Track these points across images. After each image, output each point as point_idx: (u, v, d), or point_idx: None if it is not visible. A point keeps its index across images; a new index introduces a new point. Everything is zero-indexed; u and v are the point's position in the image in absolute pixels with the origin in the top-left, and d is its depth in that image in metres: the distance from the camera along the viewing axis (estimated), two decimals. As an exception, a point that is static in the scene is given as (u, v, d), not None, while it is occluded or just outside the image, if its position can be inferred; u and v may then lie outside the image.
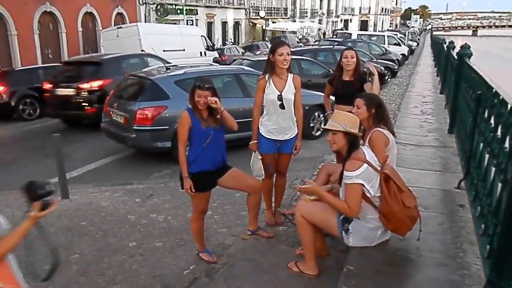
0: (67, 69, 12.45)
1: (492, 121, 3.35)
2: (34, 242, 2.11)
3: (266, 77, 4.35)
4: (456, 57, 7.17)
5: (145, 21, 25.96)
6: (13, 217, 5.54)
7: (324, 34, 52.46)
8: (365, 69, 5.15)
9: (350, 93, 4.69)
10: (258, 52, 26.77)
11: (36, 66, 15.16)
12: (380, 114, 3.84)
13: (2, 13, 17.28)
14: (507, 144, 2.77)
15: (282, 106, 4.29)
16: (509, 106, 2.79)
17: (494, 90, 3.39)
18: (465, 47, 6.45)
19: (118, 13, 24.24)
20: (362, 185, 3.15)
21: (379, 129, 3.73)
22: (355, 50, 5.16)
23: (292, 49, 4.89)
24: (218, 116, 3.81)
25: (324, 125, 8.17)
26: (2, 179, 7.49)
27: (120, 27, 18.33)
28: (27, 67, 15.29)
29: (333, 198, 3.30)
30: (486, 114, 3.64)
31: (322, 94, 5.74)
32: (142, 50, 16.34)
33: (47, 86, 11.68)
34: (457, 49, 7.40)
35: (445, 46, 12.17)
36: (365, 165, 3.16)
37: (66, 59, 15.19)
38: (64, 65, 13.55)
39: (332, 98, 5.34)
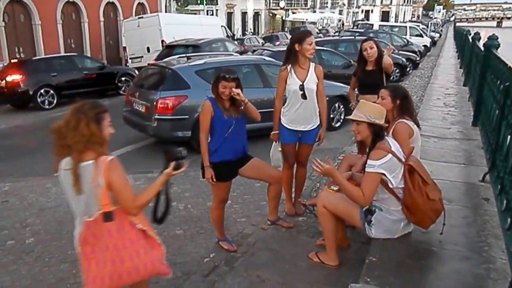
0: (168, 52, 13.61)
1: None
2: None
3: (288, 67, 4.32)
4: (482, 48, 7.02)
5: (166, 11, 25.97)
6: (37, 202, 5.66)
7: (343, 24, 51.56)
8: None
9: (373, 82, 4.70)
10: (277, 43, 26.62)
11: (54, 55, 15.26)
12: (406, 106, 3.78)
13: (27, 2, 17.45)
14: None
15: (304, 96, 4.26)
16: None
17: (524, 81, 3.31)
18: (492, 38, 6.30)
19: (139, 3, 24.27)
20: (384, 174, 3.11)
21: (404, 120, 3.67)
22: (373, 39, 5.08)
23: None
24: (242, 107, 3.79)
25: (337, 123, 8.09)
26: (27, 166, 7.64)
27: (141, 17, 18.37)
28: (45, 56, 15.45)
29: (348, 183, 3.25)
30: (514, 106, 3.56)
31: (343, 85, 5.69)
32: (163, 40, 16.40)
33: None
34: (482, 40, 7.25)
35: (470, 37, 11.94)
36: (390, 155, 3.12)
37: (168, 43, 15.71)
38: (167, 48, 14.85)
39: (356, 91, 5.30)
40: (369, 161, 3.16)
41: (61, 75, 13.39)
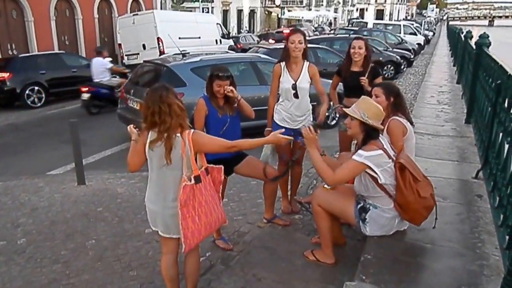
0: None
1: (513, 110, 3.30)
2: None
3: (282, 65, 4.34)
4: (474, 46, 7.06)
5: (161, 9, 25.86)
6: (29, 201, 5.64)
7: (331, 23, 50.64)
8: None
9: (358, 85, 4.57)
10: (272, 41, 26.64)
11: (41, 53, 15.09)
12: (398, 103, 3.81)
13: (20, -1, 17.34)
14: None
15: (296, 95, 4.29)
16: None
17: (515, 79, 3.34)
18: (483, 36, 6.34)
19: (134, 0, 24.12)
20: (370, 168, 3.12)
21: (397, 117, 3.70)
22: (364, 39, 4.92)
23: (308, 38, 4.75)
24: (235, 105, 3.82)
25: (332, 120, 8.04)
26: (19, 165, 7.63)
27: (136, 14, 18.28)
28: (32, 54, 15.28)
29: (320, 160, 3.25)
30: (506, 104, 3.59)
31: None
32: (158, 38, 16.34)
33: None
34: (474, 39, 7.28)
35: (462, 35, 11.99)
36: (380, 151, 3.14)
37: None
38: None
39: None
40: (358, 151, 3.18)
41: (49, 73, 13.23)
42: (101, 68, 11.46)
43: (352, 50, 4.75)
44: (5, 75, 12.39)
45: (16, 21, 17.55)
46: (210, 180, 3.01)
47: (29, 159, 7.95)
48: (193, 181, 2.83)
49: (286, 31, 34.08)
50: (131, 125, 3.13)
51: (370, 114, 3.17)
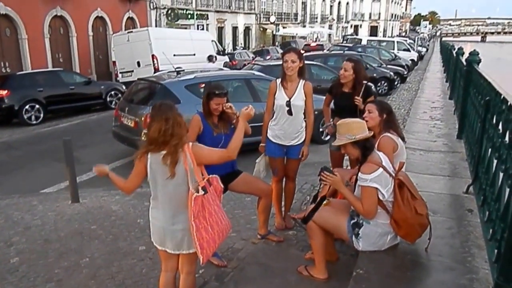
0: None
1: (500, 127, 3.36)
2: None
3: (277, 82, 4.41)
4: (465, 63, 7.18)
5: (156, 26, 26.07)
6: (22, 220, 5.62)
7: (317, 38, 50.18)
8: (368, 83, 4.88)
9: (348, 105, 4.57)
10: (268, 57, 26.84)
11: (39, 70, 15.22)
12: (391, 120, 3.88)
13: (13, 16, 17.36)
14: (514, 150, 2.79)
15: (290, 112, 4.34)
16: (517, 112, 2.82)
17: (502, 96, 3.41)
18: (473, 53, 6.47)
19: (129, 18, 24.36)
20: (377, 189, 3.18)
21: (388, 134, 3.76)
22: (354, 61, 4.80)
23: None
24: (234, 121, 3.85)
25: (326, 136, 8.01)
26: (12, 183, 7.60)
27: (131, 32, 18.41)
28: (30, 71, 15.38)
29: (354, 197, 3.31)
30: (494, 120, 3.66)
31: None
32: (153, 55, 16.46)
33: None
34: (466, 55, 7.40)
35: (454, 52, 12.15)
36: (380, 169, 3.20)
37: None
38: None
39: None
40: (360, 175, 3.23)
41: (47, 90, 13.30)
42: None
43: (340, 71, 4.79)
44: (3, 92, 12.46)
45: (10, 39, 17.66)
46: (213, 190, 3.06)
47: (23, 177, 7.93)
48: (201, 192, 2.89)
49: (313, 44, 34.27)
50: (95, 167, 3.28)
51: (354, 131, 3.27)
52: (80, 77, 15.29)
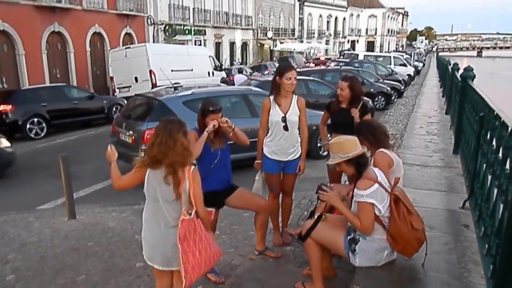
0: None
1: (494, 143, 3.40)
2: None
3: (271, 98, 4.44)
4: (460, 79, 7.25)
5: (154, 41, 26.21)
6: (18, 237, 5.60)
7: (314, 54, 50.53)
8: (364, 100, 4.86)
9: (346, 122, 4.58)
10: (266, 72, 26.97)
11: (43, 85, 15.43)
12: (377, 138, 3.88)
13: (10, 32, 17.44)
14: (507, 166, 2.81)
15: (286, 128, 4.37)
16: (509, 128, 2.85)
17: (495, 112, 3.45)
18: (468, 69, 6.53)
19: (126, 33, 24.50)
20: (373, 204, 3.20)
21: (384, 150, 3.79)
22: (350, 78, 4.85)
23: (299, 69, 4.83)
24: (231, 134, 3.88)
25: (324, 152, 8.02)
26: (9, 199, 7.57)
27: (129, 47, 18.48)
28: (35, 86, 15.47)
29: (350, 213, 3.32)
30: (488, 136, 3.70)
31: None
32: (150, 71, 16.55)
33: None
34: (462, 70, 7.48)
35: (449, 67, 12.26)
36: (376, 185, 3.22)
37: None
38: None
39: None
40: (356, 191, 3.26)
41: (51, 105, 13.41)
42: None
43: (338, 90, 4.83)
44: (8, 107, 12.57)
45: (7, 55, 17.71)
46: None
47: (19, 193, 7.91)
48: (193, 215, 2.88)
49: (322, 58, 34.61)
50: (111, 145, 3.21)
51: (347, 150, 3.30)
52: (83, 92, 15.45)
